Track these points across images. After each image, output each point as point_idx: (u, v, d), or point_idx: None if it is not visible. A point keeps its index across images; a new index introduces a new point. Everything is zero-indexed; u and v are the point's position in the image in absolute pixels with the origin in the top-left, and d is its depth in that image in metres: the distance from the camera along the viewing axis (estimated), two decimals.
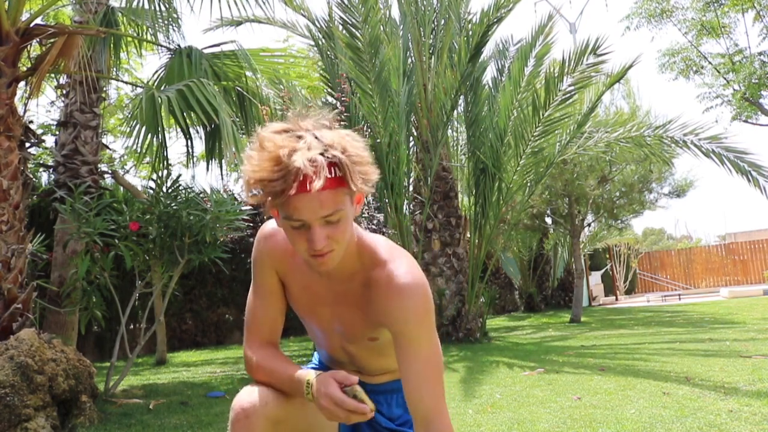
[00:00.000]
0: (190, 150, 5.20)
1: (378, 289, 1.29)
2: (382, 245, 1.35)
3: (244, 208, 4.48)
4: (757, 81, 10.70)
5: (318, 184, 1.11)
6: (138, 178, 10.69)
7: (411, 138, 8.29)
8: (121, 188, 6.33)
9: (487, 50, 8.43)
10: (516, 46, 8.97)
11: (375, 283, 1.30)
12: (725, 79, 11.62)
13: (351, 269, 1.33)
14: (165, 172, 4.60)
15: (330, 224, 1.18)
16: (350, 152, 1.15)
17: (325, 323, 1.42)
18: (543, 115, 7.21)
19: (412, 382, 1.25)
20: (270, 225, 1.41)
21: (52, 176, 5.53)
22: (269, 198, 1.17)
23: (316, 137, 1.15)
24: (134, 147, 4.46)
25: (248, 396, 1.31)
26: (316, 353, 1.66)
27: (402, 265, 1.29)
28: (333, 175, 1.14)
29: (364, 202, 1.23)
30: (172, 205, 4.25)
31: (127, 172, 10.53)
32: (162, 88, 4.96)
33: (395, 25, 8.44)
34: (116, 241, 4.25)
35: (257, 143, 1.16)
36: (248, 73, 5.49)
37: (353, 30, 7.05)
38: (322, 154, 1.12)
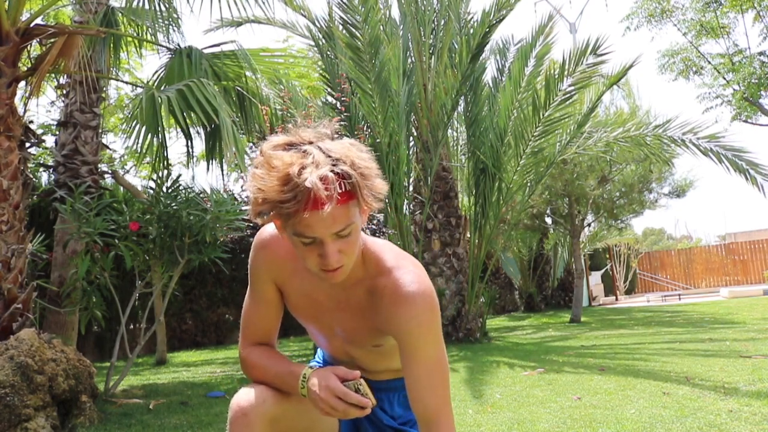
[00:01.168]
0: (190, 150, 5.21)
1: (383, 298, 1.26)
2: (388, 252, 1.32)
3: (244, 208, 4.47)
4: (756, 81, 10.70)
5: (332, 203, 1.07)
6: (138, 178, 10.73)
7: (411, 138, 8.29)
8: (121, 188, 6.35)
9: (488, 50, 8.44)
10: (516, 46, 8.97)
11: (380, 291, 1.27)
12: (725, 79, 11.61)
13: (355, 277, 1.29)
14: (165, 172, 4.60)
15: (341, 238, 1.16)
16: (359, 166, 1.11)
17: (326, 328, 1.40)
18: (543, 115, 7.22)
19: (415, 388, 1.24)
20: (267, 232, 1.37)
21: (52, 176, 5.54)
22: (279, 218, 1.14)
23: (322, 150, 1.11)
24: (134, 147, 4.46)
25: (246, 395, 1.30)
26: (319, 350, 1.63)
27: (408, 272, 1.26)
28: (344, 189, 1.09)
29: (370, 212, 1.21)
30: (172, 205, 4.25)
31: (127, 172, 10.55)
32: (162, 88, 4.96)
33: (395, 25, 8.44)
34: (116, 241, 4.25)
35: (263, 161, 1.11)
36: (248, 73, 5.50)
37: (353, 30, 7.05)
38: (332, 169, 1.08)
